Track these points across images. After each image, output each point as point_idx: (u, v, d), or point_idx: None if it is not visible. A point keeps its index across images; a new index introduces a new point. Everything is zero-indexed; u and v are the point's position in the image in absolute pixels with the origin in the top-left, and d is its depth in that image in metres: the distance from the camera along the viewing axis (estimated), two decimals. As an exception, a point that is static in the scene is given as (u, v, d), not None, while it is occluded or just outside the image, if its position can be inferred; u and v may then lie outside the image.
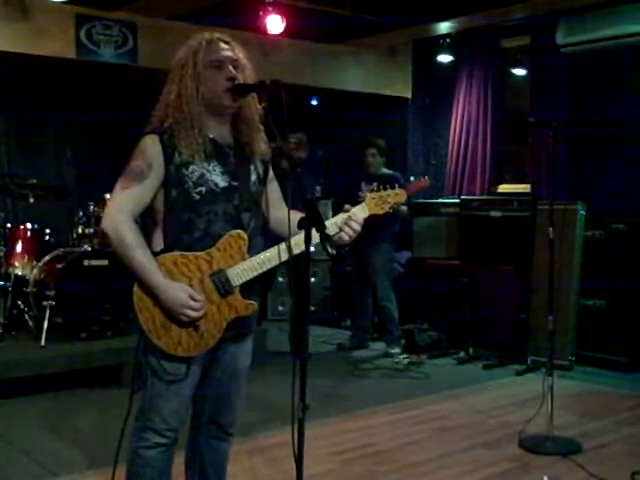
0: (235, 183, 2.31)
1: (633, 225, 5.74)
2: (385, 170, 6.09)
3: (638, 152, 5.97)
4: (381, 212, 2.43)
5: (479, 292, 6.15)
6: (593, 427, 4.29)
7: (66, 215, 5.90)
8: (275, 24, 5.98)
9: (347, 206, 2.44)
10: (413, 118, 7.89)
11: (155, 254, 2.24)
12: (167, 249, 2.25)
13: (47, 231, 5.76)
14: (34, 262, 5.41)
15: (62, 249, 5.45)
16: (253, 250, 2.30)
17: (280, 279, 7.43)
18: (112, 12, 5.96)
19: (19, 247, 5.50)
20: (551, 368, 3.93)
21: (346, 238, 2.32)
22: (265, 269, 2.29)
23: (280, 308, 7.50)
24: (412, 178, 5.65)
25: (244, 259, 2.27)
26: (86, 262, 5.20)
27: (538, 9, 6.05)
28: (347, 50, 7.30)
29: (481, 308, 6.11)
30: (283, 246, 2.28)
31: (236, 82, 2.26)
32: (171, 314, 2.20)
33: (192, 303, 2.18)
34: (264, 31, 6.04)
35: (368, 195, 2.43)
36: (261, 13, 5.94)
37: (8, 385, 4.59)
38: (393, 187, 2.46)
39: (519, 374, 5.59)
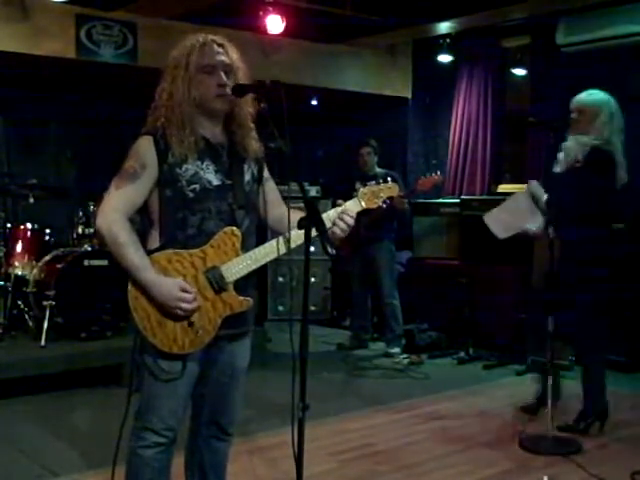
0: (228, 181, 2.33)
1: (633, 225, 5.74)
2: (378, 169, 6.08)
3: (638, 152, 5.96)
4: (374, 206, 2.43)
5: (479, 292, 6.15)
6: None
7: (66, 215, 5.90)
8: (275, 24, 5.98)
9: (340, 201, 2.45)
10: (413, 118, 7.89)
11: (151, 252, 2.26)
12: (162, 247, 2.26)
13: (47, 231, 5.76)
14: (34, 262, 5.41)
15: (62, 249, 5.45)
16: (247, 248, 2.31)
17: (280, 279, 7.44)
18: (112, 12, 5.96)
19: (19, 247, 5.50)
20: (551, 368, 3.94)
21: (339, 232, 2.32)
22: (259, 265, 2.30)
23: (280, 308, 7.50)
24: (429, 175, 5.73)
25: (238, 256, 2.28)
26: (86, 262, 5.20)
27: (538, 9, 6.04)
28: (347, 50, 7.30)
29: (481, 308, 6.11)
30: (278, 242, 2.29)
31: (227, 88, 2.27)
32: (165, 309, 2.21)
33: (185, 295, 2.19)
34: (264, 31, 6.04)
35: (360, 190, 2.43)
36: (261, 13, 5.94)
37: (8, 385, 4.59)
38: (386, 182, 2.46)
39: (519, 374, 5.59)
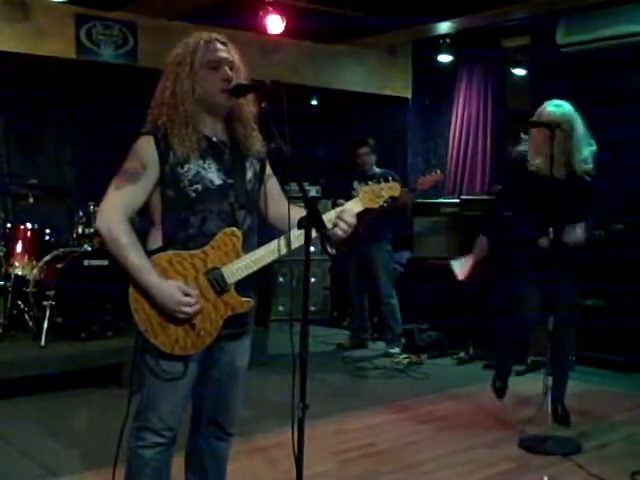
0: (230, 181, 2.31)
1: (633, 225, 5.74)
2: (377, 169, 6.08)
3: (638, 152, 5.97)
4: (376, 206, 2.40)
5: (479, 292, 6.14)
6: (593, 427, 4.29)
7: (66, 215, 5.91)
8: (275, 24, 5.97)
9: (341, 201, 2.43)
10: (413, 118, 7.90)
11: (152, 252, 2.24)
12: (163, 247, 2.25)
13: (47, 231, 5.76)
14: (34, 262, 5.41)
15: (62, 249, 5.44)
16: (248, 248, 2.30)
17: (280, 279, 7.44)
18: (112, 12, 5.96)
19: (19, 247, 5.50)
20: (551, 368, 3.94)
21: (340, 233, 2.31)
22: (260, 266, 2.29)
23: (280, 308, 7.49)
24: (429, 174, 5.76)
25: (239, 257, 2.27)
26: (86, 262, 5.19)
27: (538, 9, 6.05)
28: (347, 50, 7.31)
29: (481, 308, 6.10)
30: (279, 243, 2.28)
31: (232, 83, 2.26)
32: (167, 312, 2.20)
33: (186, 299, 2.18)
34: (264, 31, 6.03)
35: (361, 189, 2.40)
36: (261, 13, 5.94)
37: (8, 385, 4.59)
38: (387, 181, 2.44)
39: (519, 374, 5.58)
